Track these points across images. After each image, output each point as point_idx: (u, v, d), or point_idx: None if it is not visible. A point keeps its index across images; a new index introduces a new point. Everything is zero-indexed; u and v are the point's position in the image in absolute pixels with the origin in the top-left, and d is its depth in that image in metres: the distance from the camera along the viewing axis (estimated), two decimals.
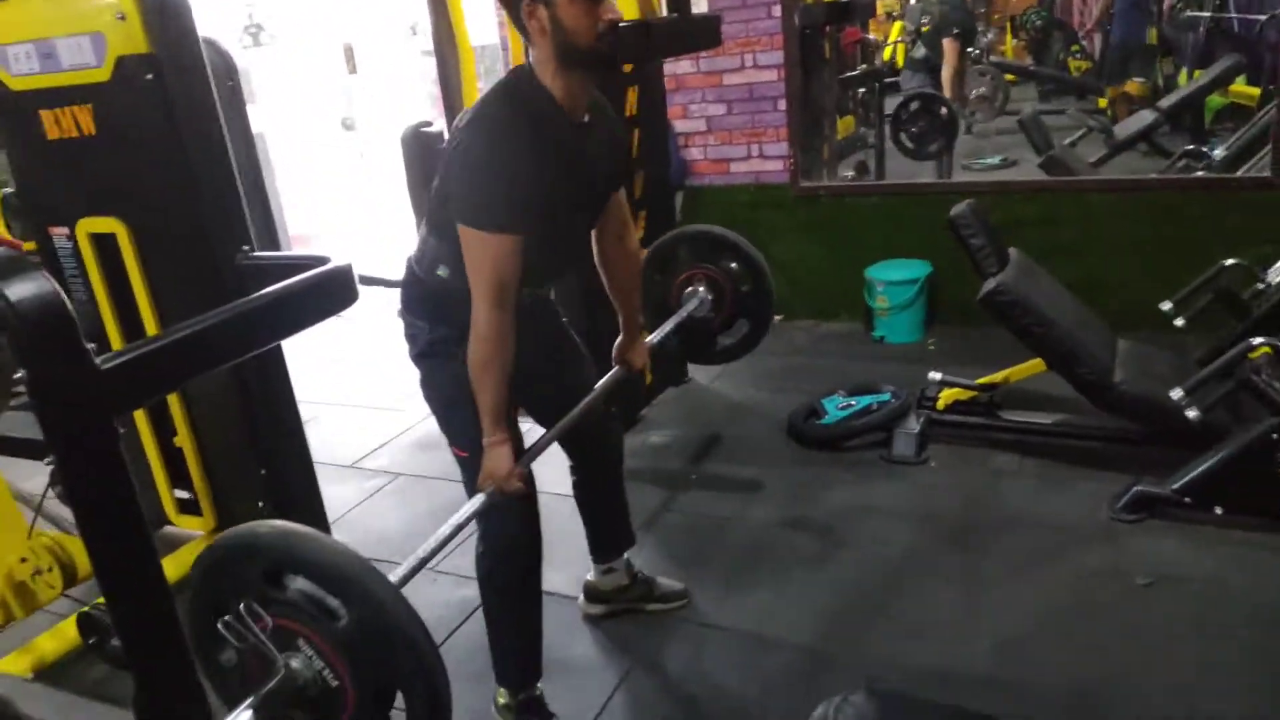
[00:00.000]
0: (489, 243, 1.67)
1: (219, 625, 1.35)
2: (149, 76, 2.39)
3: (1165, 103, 5.83)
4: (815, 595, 2.46)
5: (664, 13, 3.29)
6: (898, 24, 10.86)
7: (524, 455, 1.86)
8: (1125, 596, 2.31)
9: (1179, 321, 3.10)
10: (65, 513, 2.13)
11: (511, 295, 1.71)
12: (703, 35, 3.37)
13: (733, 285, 2.74)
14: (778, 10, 4.19)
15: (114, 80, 2.41)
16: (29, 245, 3.36)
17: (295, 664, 1.32)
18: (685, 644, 2.32)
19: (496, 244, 1.66)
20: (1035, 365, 2.99)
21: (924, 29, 7.17)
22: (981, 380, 3.11)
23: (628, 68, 3.20)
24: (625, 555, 2.42)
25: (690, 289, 2.75)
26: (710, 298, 2.73)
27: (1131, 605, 2.28)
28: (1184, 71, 6.49)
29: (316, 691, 1.32)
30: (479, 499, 1.78)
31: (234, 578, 1.38)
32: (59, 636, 2.33)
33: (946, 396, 3.15)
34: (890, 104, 6.40)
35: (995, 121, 7.38)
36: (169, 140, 2.44)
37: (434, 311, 1.88)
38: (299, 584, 1.35)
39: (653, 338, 2.45)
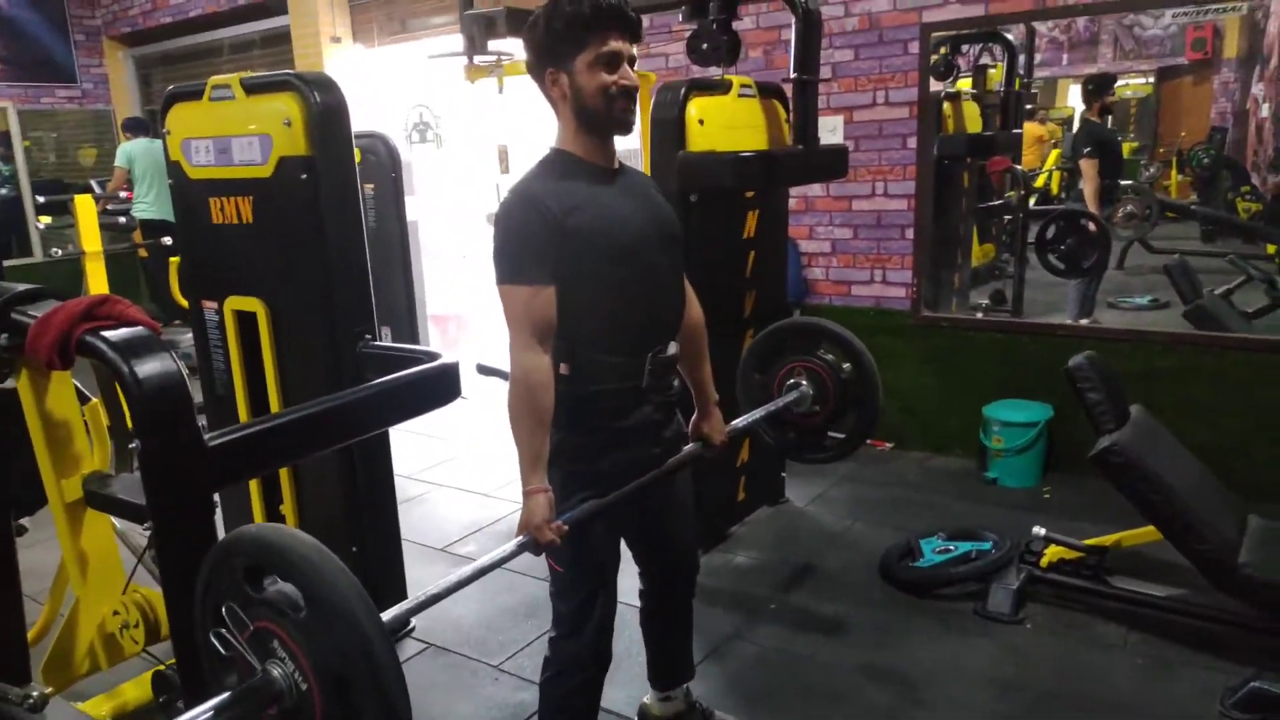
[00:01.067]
0: (513, 294, 1.76)
1: (211, 637, 1.35)
2: (304, 176, 2.64)
3: None
4: None
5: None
6: (1055, 151, 10.68)
7: (569, 513, 1.82)
8: None
9: None
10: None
11: (542, 341, 1.77)
12: (828, 167, 3.45)
13: (835, 377, 2.66)
14: (913, 142, 4.22)
15: (274, 177, 2.67)
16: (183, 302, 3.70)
17: (274, 671, 1.30)
18: None
19: (519, 294, 1.76)
20: (1150, 532, 2.79)
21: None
22: (1090, 541, 2.92)
23: (749, 194, 3.28)
24: (686, 685, 2.38)
25: (791, 382, 2.70)
26: (811, 391, 2.66)
27: None
28: None
29: (291, 700, 1.29)
30: (513, 544, 1.76)
31: (223, 582, 1.39)
32: (141, 686, 2.48)
33: (1051, 554, 2.97)
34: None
35: (1149, 259, 7.07)
36: (314, 235, 2.68)
37: (556, 414, 1.82)
38: (276, 584, 1.34)
39: (738, 422, 2.42)
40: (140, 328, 1.86)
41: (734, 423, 2.37)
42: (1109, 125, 6.29)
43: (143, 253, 6.23)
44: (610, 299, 1.84)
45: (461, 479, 4.31)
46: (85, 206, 4.78)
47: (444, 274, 6.49)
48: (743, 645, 2.84)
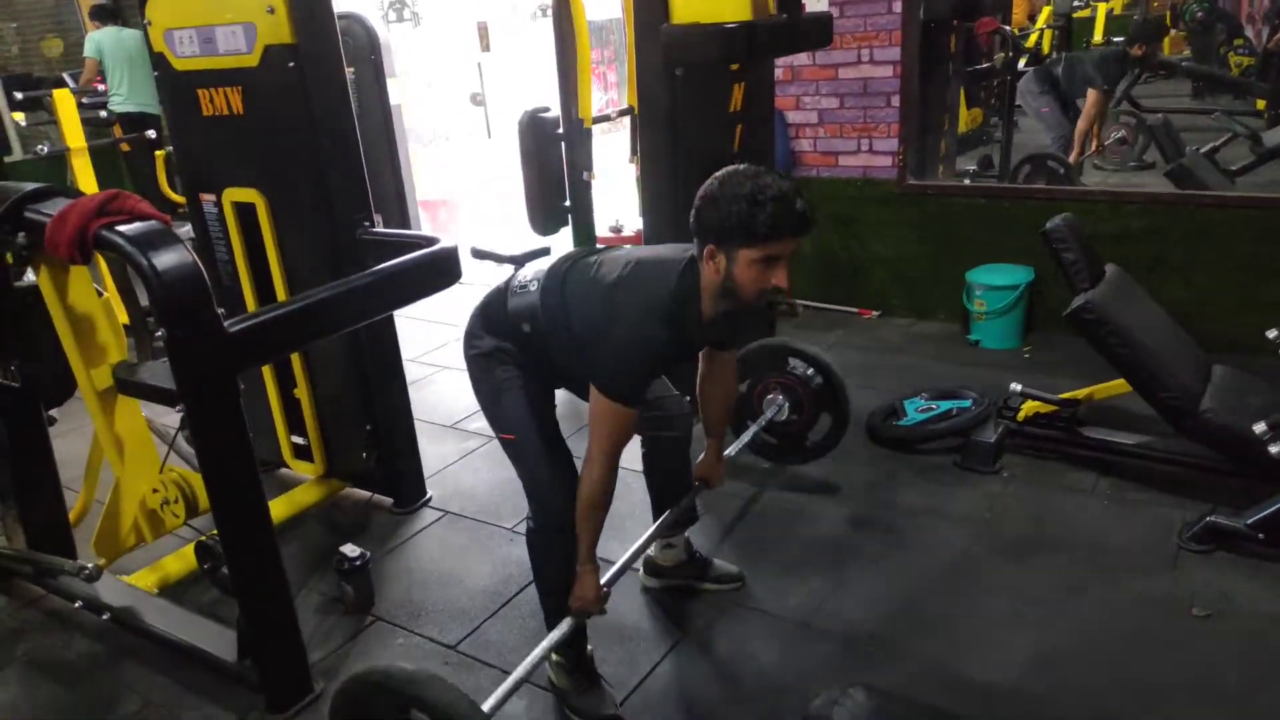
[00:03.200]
0: (617, 411, 1.93)
1: None
2: (291, 65, 2.64)
3: None
4: (867, 593, 2.55)
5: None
6: (1046, 9, 10.42)
7: (609, 577, 2.14)
8: (1178, 626, 2.31)
9: None
10: (192, 451, 2.43)
11: (620, 454, 1.99)
12: (811, 36, 3.44)
13: (806, 386, 2.98)
14: (898, 6, 4.17)
15: (261, 66, 2.68)
16: (182, 200, 3.73)
17: None
18: (733, 624, 2.46)
19: (622, 413, 1.93)
20: (1120, 384, 2.95)
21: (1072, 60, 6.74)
22: (1064, 395, 3.09)
23: (735, 66, 3.28)
24: (686, 534, 2.58)
25: (770, 397, 3.02)
26: (787, 402, 2.99)
27: (1182, 635, 2.28)
28: None
29: None
30: (566, 623, 2.06)
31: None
32: (182, 559, 2.67)
33: (1028, 408, 3.13)
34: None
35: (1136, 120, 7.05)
36: (304, 123, 2.70)
37: (501, 332, 2.14)
38: None
39: (731, 450, 2.70)
40: (154, 221, 1.94)
41: (727, 450, 2.63)
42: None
43: (125, 147, 6.15)
44: None
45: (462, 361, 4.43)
46: (65, 101, 4.71)
47: (430, 158, 6.46)
48: (738, 503, 3.04)
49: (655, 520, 2.55)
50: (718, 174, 1.84)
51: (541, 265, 2.14)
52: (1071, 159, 5.69)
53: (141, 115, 6.30)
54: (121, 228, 1.90)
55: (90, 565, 2.26)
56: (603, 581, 2.10)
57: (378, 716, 1.70)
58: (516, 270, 2.21)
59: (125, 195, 1.97)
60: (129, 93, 6.40)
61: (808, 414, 3.01)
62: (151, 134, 5.40)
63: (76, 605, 2.58)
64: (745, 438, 2.89)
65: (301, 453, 3.21)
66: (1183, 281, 3.77)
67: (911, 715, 1.54)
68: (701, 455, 2.49)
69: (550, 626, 2.25)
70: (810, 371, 2.98)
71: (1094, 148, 6.15)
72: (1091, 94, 5.69)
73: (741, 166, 1.83)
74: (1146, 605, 2.39)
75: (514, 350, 2.13)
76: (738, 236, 1.77)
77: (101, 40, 6.46)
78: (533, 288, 2.09)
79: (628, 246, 2.25)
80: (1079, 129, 5.79)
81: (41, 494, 2.66)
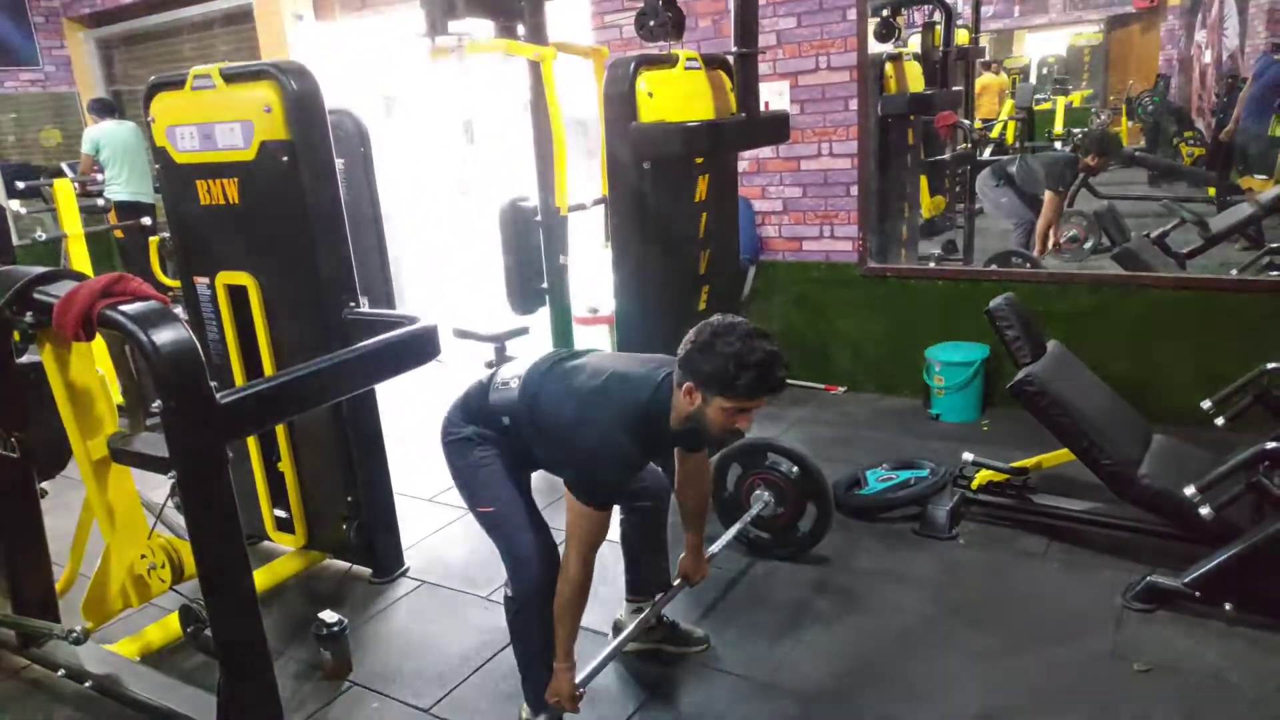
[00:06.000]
0: (591, 515, 2.09)
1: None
2: (285, 159, 2.85)
3: (1265, 196, 5.78)
4: (826, 653, 2.65)
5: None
6: (1009, 102, 10.97)
7: (584, 677, 2.26)
8: (1119, 681, 2.42)
9: (1219, 420, 3.17)
10: (179, 521, 2.54)
11: (596, 555, 2.13)
12: (770, 132, 3.70)
13: (786, 479, 3.08)
14: (854, 104, 4.47)
15: (257, 160, 2.88)
16: (173, 283, 3.89)
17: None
18: (699, 685, 2.55)
19: (596, 517, 2.10)
20: (1066, 454, 3.11)
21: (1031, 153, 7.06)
22: (1015, 464, 3.24)
23: (699, 160, 3.53)
24: (656, 598, 2.68)
25: (756, 494, 3.14)
26: (773, 498, 3.10)
27: (1123, 689, 2.39)
28: None
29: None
30: (544, 716, 2.23)
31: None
32: (164, 628, 2.75)
33: (981, 477, 3.29)
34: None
35: (1093, 205, 7.38)
36: (296, 212, 2.89)
37: (481, 421, 2.31)
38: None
39: (714, 548, 2.81)
40: (154, 302, 2.10)
41: (711, 549, 2.76)
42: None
43: (118, 233, 6.36)
44: None
45: None
46: (65, 190, 4.93)
47: (417, 245, 6.69)
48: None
49: (628, 583, 2.67)
50: (712, 322, 2.01)
51: (520, 366, 2.31)
52: (1036, 253, 5.94)
53: (136, 204, 6.53)
54: (124, 307, 2.05)
55: (78, 628, 2.35)
56: (578, 680, 2.21)
57: None
58: (497, 369, 2.39)
59: (128, 278, 2.13)
60: (126, 182, 6.64)
61: (793, 503, 3.08)
62: (147, 221, 5.60)
63: (59, 674, 2.65)
64: (730, 533, 2.97)
65: (284, 525, 3.31)
66: (1129, 357, 3.98)
67: None
68: (683, 556, 2.60)
69: (527, 692, 2.34)
70: (785, 462, 3.07)
71: (1053, 243, 6.40)
72: (1048, 196, 5.97)
73: (737, 322, 2.00)
74: (1091, 661, 2.51)
75: (493, 436, 2.29)
76: (717, 388, 1.96)
77: (98, 135, 6.71)
78: (514, 385, 2.26)
79: (604, 352, 2.39)
80: (1039, 229, 6.03)
81: (31, 563, 2.75)
